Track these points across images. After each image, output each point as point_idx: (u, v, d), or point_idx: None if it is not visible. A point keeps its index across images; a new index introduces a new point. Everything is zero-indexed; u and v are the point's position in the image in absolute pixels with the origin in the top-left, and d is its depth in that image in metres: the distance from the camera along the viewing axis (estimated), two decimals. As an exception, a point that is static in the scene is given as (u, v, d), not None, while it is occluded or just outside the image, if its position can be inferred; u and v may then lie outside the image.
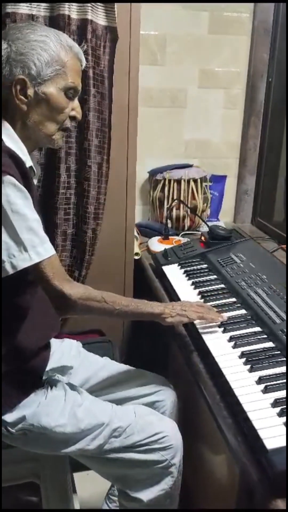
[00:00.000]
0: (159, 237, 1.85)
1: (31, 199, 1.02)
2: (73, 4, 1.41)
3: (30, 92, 1.05)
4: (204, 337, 1.15)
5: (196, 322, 1.19)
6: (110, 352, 1.62)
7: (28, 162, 1.08)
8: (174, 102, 1.99)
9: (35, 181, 1.21)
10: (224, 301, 1.30)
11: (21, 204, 0.98)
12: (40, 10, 1.42)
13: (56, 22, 1.40)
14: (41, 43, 1.04)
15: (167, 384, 1.33)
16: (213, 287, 1.38)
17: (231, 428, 0.91)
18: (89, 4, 1.41)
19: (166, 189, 1.94)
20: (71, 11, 1.41)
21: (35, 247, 0.99)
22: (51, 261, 1.02)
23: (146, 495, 1.16)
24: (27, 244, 0.98)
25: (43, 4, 1.42)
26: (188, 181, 1.93)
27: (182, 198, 1.92)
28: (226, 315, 1.21)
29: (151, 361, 1.74)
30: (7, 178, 0.96)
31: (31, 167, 1.11)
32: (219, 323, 1.17)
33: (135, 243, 1.78)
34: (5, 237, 0.97)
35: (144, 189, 2.07)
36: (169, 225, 1.92)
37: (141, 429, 1.15)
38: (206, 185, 1.99)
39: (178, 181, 1.93)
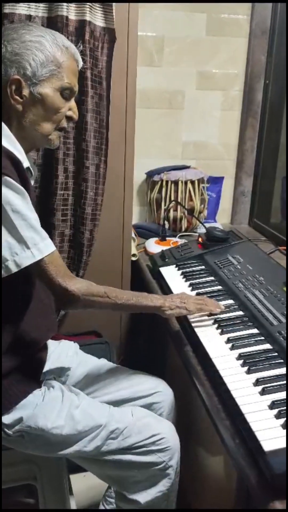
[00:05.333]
0: (156, 238, 1.85)
1: (29, 199, 1.02)
2: (71, 5, 1.41)
3: (25, 92, 1.05)
4: (202, 338, 1.15)
5: (195, 325, 1.19)
6: (107, 354, 1.62)
7: (25, 163, 1.08)
8: (172, 103, 1.99)
9: (32, 182, 1.21)
10: (221, 302, 1.29)
11: (20, 203, 0.98)
12: (38, 10, 1.42)
13: (54, 23, 1.40)
14: (37, 44, 1.04)
15: (164, 386, 1.33)
16: (211, 288, 1.38)
17: (229, 430, 0.91)
18: (87, 5, 1.41)
19: (164, 190, 1.94)
20: (69, 12, 1.41)
21: (37, 244, 1.00)
22: (53, 257, 1.03)
23: (143, 497, 1.16)
24: (29, 242, 0.99)
25: (41, 5, 1.42)
26: (186, 183, 1.93)
27: (179, 200, 1.92)
28: (223, 316, 1.22)
29: (149, 363, 1.74)
30: (5, 179, 0.96)
31: (28, 167, 1.11)
32: (218, 313, 1.21)
33: (132, 244, 1.78)
34: (6, 236, 0.98)
35: (141, 190, 2.07)
36: (166, 226, 1.91)
37: (139, 430, 1.15)
38: (203, 187, 1.99)
39: (176, 183, 1.93)
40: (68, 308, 1.11)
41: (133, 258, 1.78)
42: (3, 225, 0.97)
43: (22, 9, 1.39)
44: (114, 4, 1.45)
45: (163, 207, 1.95)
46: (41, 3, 1.41)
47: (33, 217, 1.01)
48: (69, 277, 1.07)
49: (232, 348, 1.09)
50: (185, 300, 1.19)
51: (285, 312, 1.16)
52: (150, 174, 1.99)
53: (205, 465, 1.36)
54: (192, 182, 1.94)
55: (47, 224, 1.57)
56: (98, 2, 1.43)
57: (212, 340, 1.13)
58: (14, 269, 0.99)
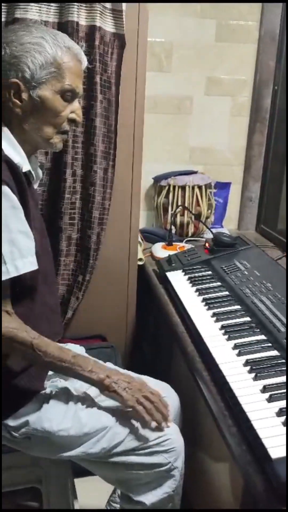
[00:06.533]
0: (163, 243, 1.85)
1: (21, 208, 1.00)
2: (82, 10, 1.42)
3: (25, 95, 1.04)
4: (208, 344, 1.14)
5: (202, 330, 1.18)
6: (113, 358, 1.62)
7: (26, 166, 1.07)
8: (180, 108, 2.00)
9: (35, 186, 1.21)
10: (228, 308, 1.29)
11: (7, 214, 0.97)
12: (49, 16, 1.43)
13: (64, 28, 1.41)
14: (36, 45, 1.03)
15: (170, 391, 1.32)
16: (217, 294, 1.38)
17: (236, 437, 0.91)
18: (97, 11, 1.42)
19: (171, 195, 1.94)
20: (80, 17, 1.42)
21: (14, 260, 0.98)
22: (6, 284, 0.99)
23: (149, 498, 1.16)
24: (6, 257, 0.97)
25: (52, 10, 1.42)
26: (193, 188, 1.93)
27: (186, 205, 1.93)
28: (230, 322, 1.22)
29: (154, 367, 1.74)
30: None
31: (29, 171, 1.10)
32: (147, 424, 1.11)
33: (138, 248, 1.78)
34: None
35: (148, 195, 2.08)
36: (173, 231, 1.92)
37: (144, 432, 1.15)
38: (210, 192, 1.99)
39: (183, 188, 1.93)
40: None
41: (140, 263, 1.78)
42: None
43: (33, 14, 1.40)
44: (124, 9, 1.46)
45: (170, 212, 1.95)
46: (41, 2, 1.41)
47: (20, 230, 0.99)
48: (2, 311, 1.00)
49: (239, 354, 1.09)
50: (131, 391, 1.09)
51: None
52: (157, 179, 2.00)
53: (211, 472, 1.36)
54: (200, 187, 1.94)
55: (55, 228, 1.57)
56: (108, 3, 1.43)
57: (219, 345, 1.13)
58: None
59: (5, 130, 1.06)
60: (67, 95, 1.08)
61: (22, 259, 0.99)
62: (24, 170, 1.05)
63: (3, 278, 0.97)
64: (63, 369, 1.08)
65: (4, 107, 1.06)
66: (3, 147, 1.03)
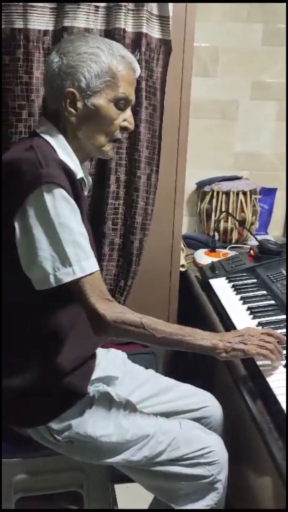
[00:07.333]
0: (206, 249, 1.83)
1: (79, 211, 1.02)
2: (129, 17, 1.42)
3: (80, 104, 1.06)
4: (254, 354, 1.11)
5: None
6: (154, 364, 1.61)
7: (80, 173, 1.10)
8: (225, 113, 1.98)
9: (86, 192, 1.23)
10: (274, 318, 1.26)
11: (69, 217, 0.98)
12: (97, 24, 1.44)
13: (111, 35, 1.42)
14: (92, 55, 1.05)
15: (213, 401, 1.30)
16: (263, 303, 1.35)
17: (282, 451, 0.88)
18: (144, 17, 1.43)
19: (214, 201, 1.92)
20: (127, 24, 1.43)
21: (80, 262, 0.98)
22: (93, 277, 1.00)
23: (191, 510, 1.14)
24: (72, 259, 0.98)
25: (100, 18, 1.44)
26: (237, 193, 1.90)
27: (230, 211, 1.90)
28: (276, 332, 1.18)
29: (197, 376, 1.71)
30: (58, 190, 0.97)
31: (82, 178, 1.12)
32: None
33: (181, 255, 1.77)
34: (51, 249, 0.97)
35: (191, 201, 2.06)
36: (216, 237, 1.89)
37: (187, 442, 1.14)
38: (255, 198, 1.96)
39: (227, 193, 1.91)
40: (98, 333, 1.03)
41: (182, 269, 1.77)
42: (48, 238, 0.97)
43: (80, 22, 1.42)
44: (170, 15, 1.45)
45: (213, 217, 1.93)
46: (90, 12, 1.41)
47: (80, 233, 1.00)
48: (104, 300, 1.01)
49: (286, 365, 1.05)
50: (247, 340, 1.05)
51: None
52: (200, 184, 1.98)
53: (255, 485, 1.32)
54: (244, 193, 1.91)
55: (98, 233, 1.58)
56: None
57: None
58: (53, 283, 0.98)
59: (61, 138, 1.08)
60: (121, 103, 1.09)
61: (88, 260, 1.00)
62: (78, 177, 1.08)
63: (69, 279, 0.98)
64: (177, 343, 1.04)
65: (59, 115, 1.08)
66: (59, 154, 1.05)
